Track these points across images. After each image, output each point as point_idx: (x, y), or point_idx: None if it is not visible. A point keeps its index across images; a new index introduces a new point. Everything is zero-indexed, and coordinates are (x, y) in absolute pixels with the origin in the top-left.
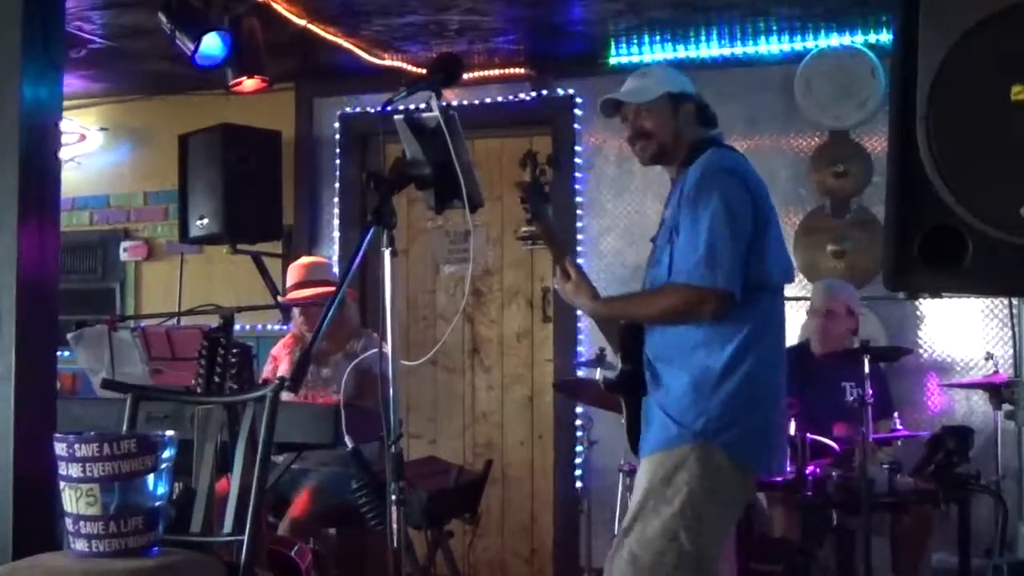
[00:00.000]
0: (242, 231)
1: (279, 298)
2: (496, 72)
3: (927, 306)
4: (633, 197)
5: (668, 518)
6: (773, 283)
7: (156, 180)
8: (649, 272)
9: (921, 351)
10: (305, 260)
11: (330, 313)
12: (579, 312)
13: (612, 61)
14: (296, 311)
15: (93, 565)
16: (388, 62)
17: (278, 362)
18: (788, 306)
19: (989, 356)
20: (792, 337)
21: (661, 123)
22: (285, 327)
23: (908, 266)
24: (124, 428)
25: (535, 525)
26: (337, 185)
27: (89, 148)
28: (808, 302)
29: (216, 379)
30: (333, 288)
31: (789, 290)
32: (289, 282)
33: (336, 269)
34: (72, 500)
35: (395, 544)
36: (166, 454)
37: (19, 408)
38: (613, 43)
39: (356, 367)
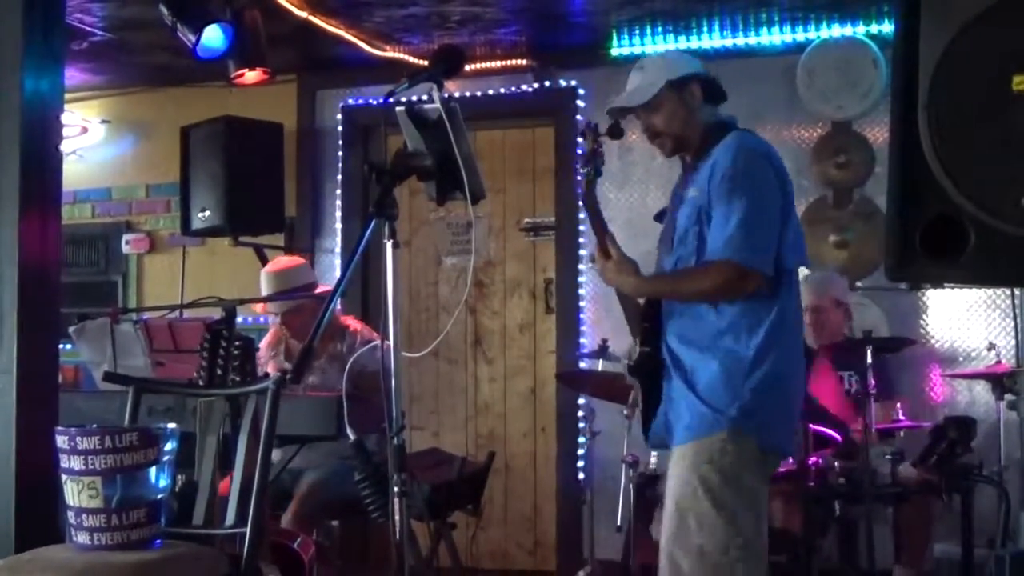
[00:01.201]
0: (244, 223)
1: (258, 308)
2: (498, 63)
3: (929, 296)
4: (635, 189)
5: (726, 506)
6: (790, 268)
7: (158, 173)
8: (673, 251)
9: (923, 341)
10: (278, 266)
11: (327, 312)
12: (582, 303)
13: (614, 52)
14: (275, 317)
15: (95, 558)
16: (390, 54)
17: (261, 363)
18: None
19: (991, 346)
20: None
21: (669, 117)
22: None
23: (910, 256)
24: (126, 421)
25: (538, 516)
26: (339, 177)
27: (91, 141)
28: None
29: (218, 371)
30: (309, 293)
31: None
32: (263, 291)
33: (337, 261)
34: (74, 493)
35: (398, 536)
36: (168, 447)
37: (21, 401)
38: (615, 34)
39: (350, 369)
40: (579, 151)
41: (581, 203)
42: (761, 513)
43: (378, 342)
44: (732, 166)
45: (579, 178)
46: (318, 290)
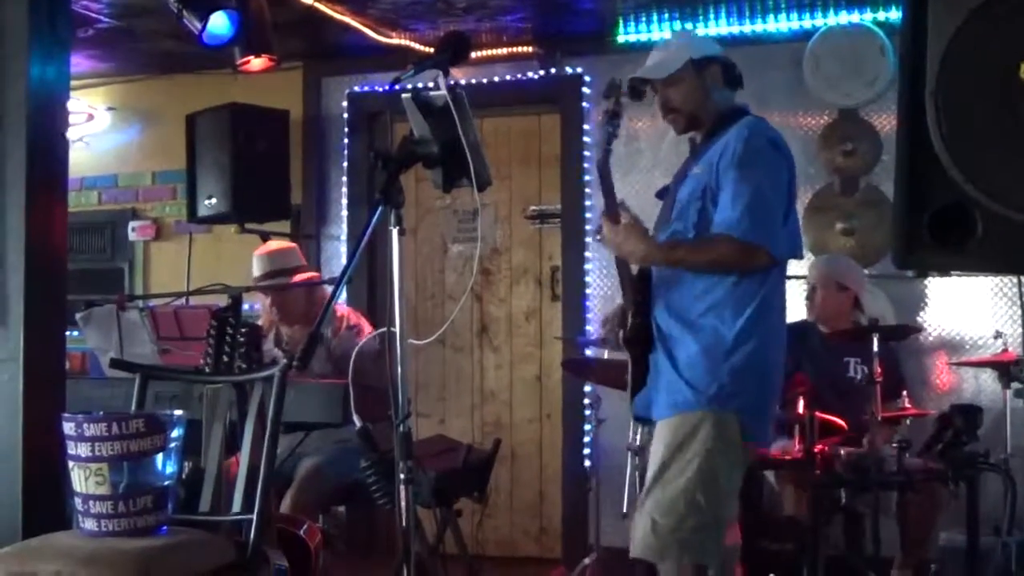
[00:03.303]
0: (250, 210)
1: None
2: (504, 51)
3: (936, 284)
4: (641, 175)
5: (686, 482)
6: (786, 256)
7: (164, 160)
8: (671, 223)
9: (930, 329)
10: (270, 247)
11: (335, 295)
12: (588, 290)
13: (620, 39)
14: (267, 301)
15: (102, 544)
16: (396, 41)
17: None
18: (794, 284)
19: (998, 334)
20: (796, 314)
21: (686, 94)
22: None
23: (917, 244)
24: (133, 408)
25: (543, 503)
26: (345, 164)
27: (97, 128)
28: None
29: (224, 358)
30: (304, 274)
31: (796, 269)
32: (256, 273)
33: (343, 248)
34: (81, 479)
35: (404, 523)
36: (175, 433)
37: (28, 388)
38: (621, 21)
39: (333, 353)
40: (604, 109)
41: (596, 167)
42: (724, 492)
43: (367, 330)
44: (744, 147)
45: (596, 139)
46: (305, 275)
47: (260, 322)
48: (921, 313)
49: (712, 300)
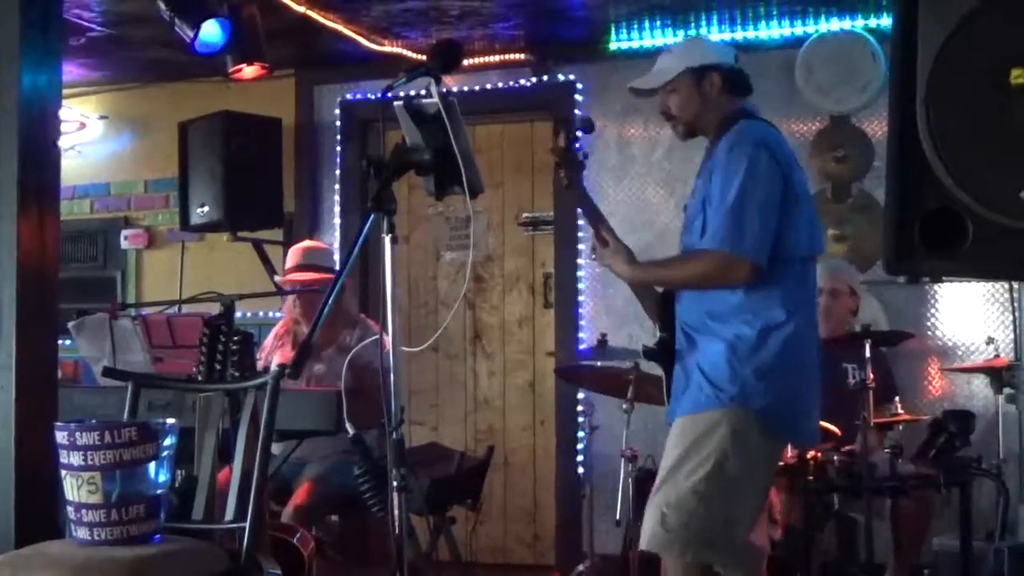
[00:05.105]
0: (243, 218)
1: (275, 279)
2: (496, 58)
3: (928, 290)
4: (634, 183)
5: (700, 479)
6: (803, 254)
7: (157, 168)
8: (682, 240)
9: (922, 335)
10: (305, 244)
11: (328, 303)
12: (581, 298)
13: (613, 46)
14: (291, 298)
15: (95, 553)
16: (388, 48)
17: (267, 351)
18: None
19: (990, 340)
20: None
21: (683, 101)
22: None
23: (908, 250)
24: (125, 416)
25: (537, 511)
26: (338, 172)
27: (89, 136)
28: None
29: (217, 366)
30: (331, 275)
31: None
32: (288, 264)
33: (337, 256)
34: (74, 488)
35: (397, 531)
36: (167, 442)
37: (20, 397)
38: (614, 28)
39: (351, 362)
40: (576, 147)
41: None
42: (739, 493)
43: (378, 337)
44: (726, 156)
45: (561, 175)
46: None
47: (278, 325)
48: (913, 319)
49: (733, 304)
